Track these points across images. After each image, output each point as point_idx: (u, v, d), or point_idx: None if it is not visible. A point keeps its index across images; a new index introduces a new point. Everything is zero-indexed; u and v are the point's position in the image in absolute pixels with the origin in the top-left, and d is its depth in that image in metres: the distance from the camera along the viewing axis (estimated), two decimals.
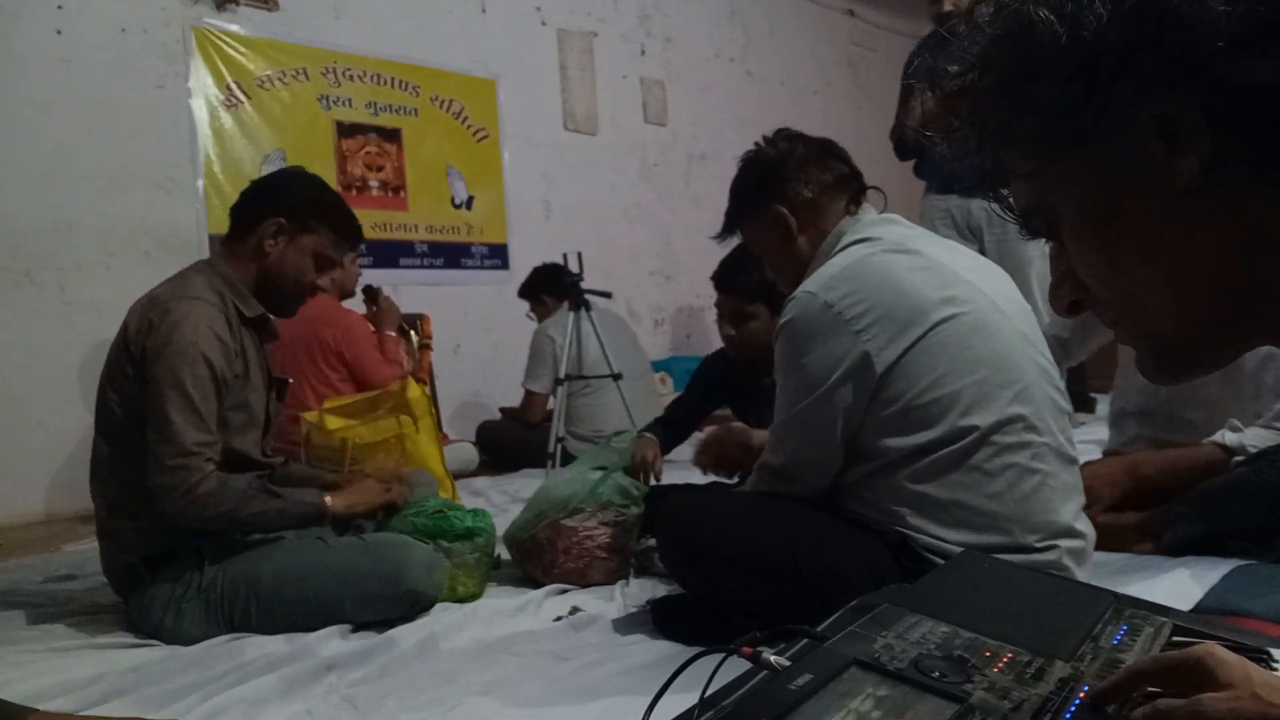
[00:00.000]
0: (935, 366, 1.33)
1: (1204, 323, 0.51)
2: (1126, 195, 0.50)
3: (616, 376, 3.24)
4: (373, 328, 3.15)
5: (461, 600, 1.83)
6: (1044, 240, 0.57)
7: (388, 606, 1.69)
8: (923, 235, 1.51)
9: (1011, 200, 0.58)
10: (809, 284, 1.43)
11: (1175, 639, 0.80)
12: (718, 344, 2.47)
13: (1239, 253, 0.48)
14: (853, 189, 1.57)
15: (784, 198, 1.55)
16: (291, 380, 2.10)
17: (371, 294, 3.27)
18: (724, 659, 0.68)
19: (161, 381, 1.62)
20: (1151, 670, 0.66)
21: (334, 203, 1.85)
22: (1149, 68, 0.46)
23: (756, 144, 1.64)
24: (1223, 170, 0.46)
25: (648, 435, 2.33)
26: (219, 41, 3.77)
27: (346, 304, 3.14)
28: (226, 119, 3.80)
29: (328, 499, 1.77)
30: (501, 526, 2.06)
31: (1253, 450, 1.83)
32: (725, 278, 2.27)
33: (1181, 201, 0.48)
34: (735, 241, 1.73)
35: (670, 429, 2.42)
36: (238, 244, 1.80)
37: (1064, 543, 1.35)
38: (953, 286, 1.38)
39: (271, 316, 1.86)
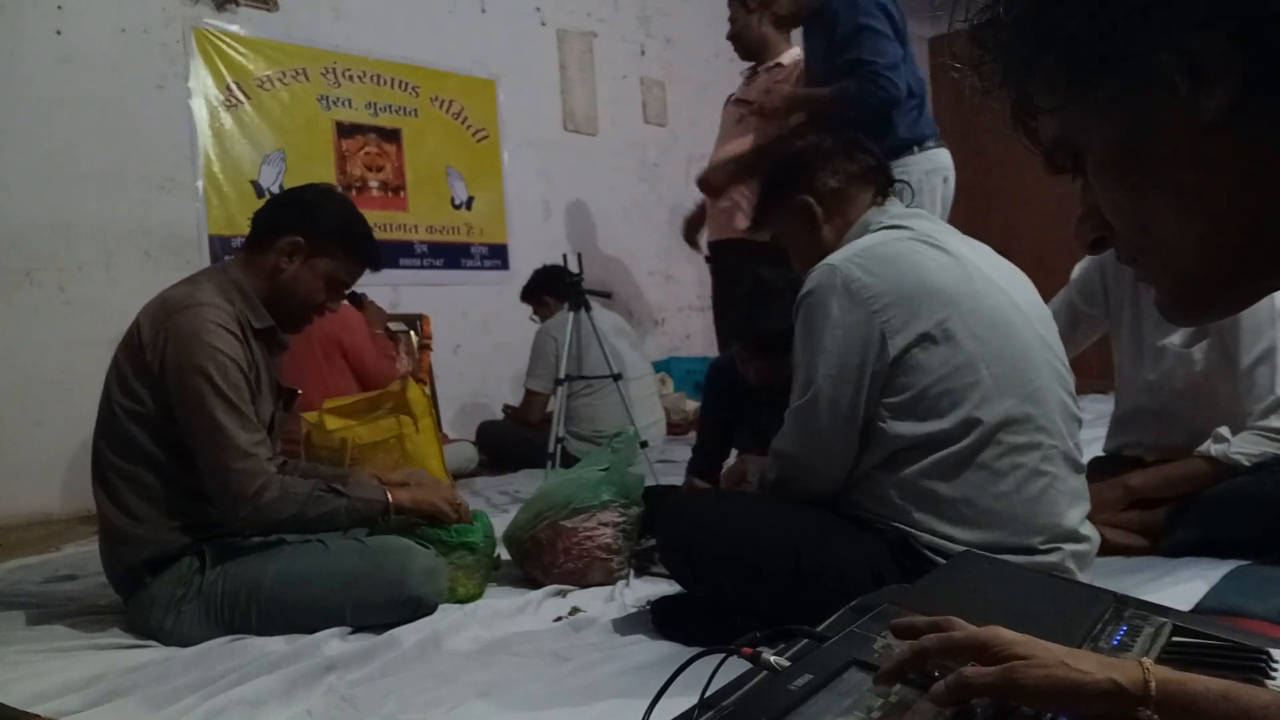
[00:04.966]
0: (951, 358, 1.34)
1: (1226, 261, 0.51)
2: (1152, 131, 0.50)
3: (616, 377, 3.24)
4: None
5: (462, 601, 1.83)
6: None
7: (389, 612, 1.68)
8: (949, 231, 1.53)
9: (1040, 134, 0.58)
10: (832, 258, 1.43)
11: (1175, 639, 0.80)
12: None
13: (1264, 191, 0.47)
14: (880, 182, 1.59)
15: (811, 188, 1.57)
16: (301, 391, 2.10)
17: (356, 300, 3.25)
18: (724, 659, 0.68)
19: (197, 394, 1.62)
20: (938, 648, 0.64)
21: (358, 229, 1.83)
22: (1177, 1, 0.45)
23: (787, 138, 1.67)
24: (1250, 107, 0.45)
25: (693, 480, 2.31)
26: (219, 42, 3.77)
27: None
28: (226, 119, 3.79)
29: (390, 495, 1.78)
30: (501, 526, 2.06)
31: (1238, 457, 1.84)
32: (749, 336, 2.16)
33: (1208, 138, 0.47)
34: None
35: (707, 457, 2.41)
36: (253, 255, 1.79)
37: (1068, 546, 1.35)
38: (976, 281, 1.39)
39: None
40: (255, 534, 1.72)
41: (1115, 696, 0.57)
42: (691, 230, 3.55)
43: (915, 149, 2.72)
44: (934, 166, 2.76)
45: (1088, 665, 0.59)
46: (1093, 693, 0.58)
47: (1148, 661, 0.59)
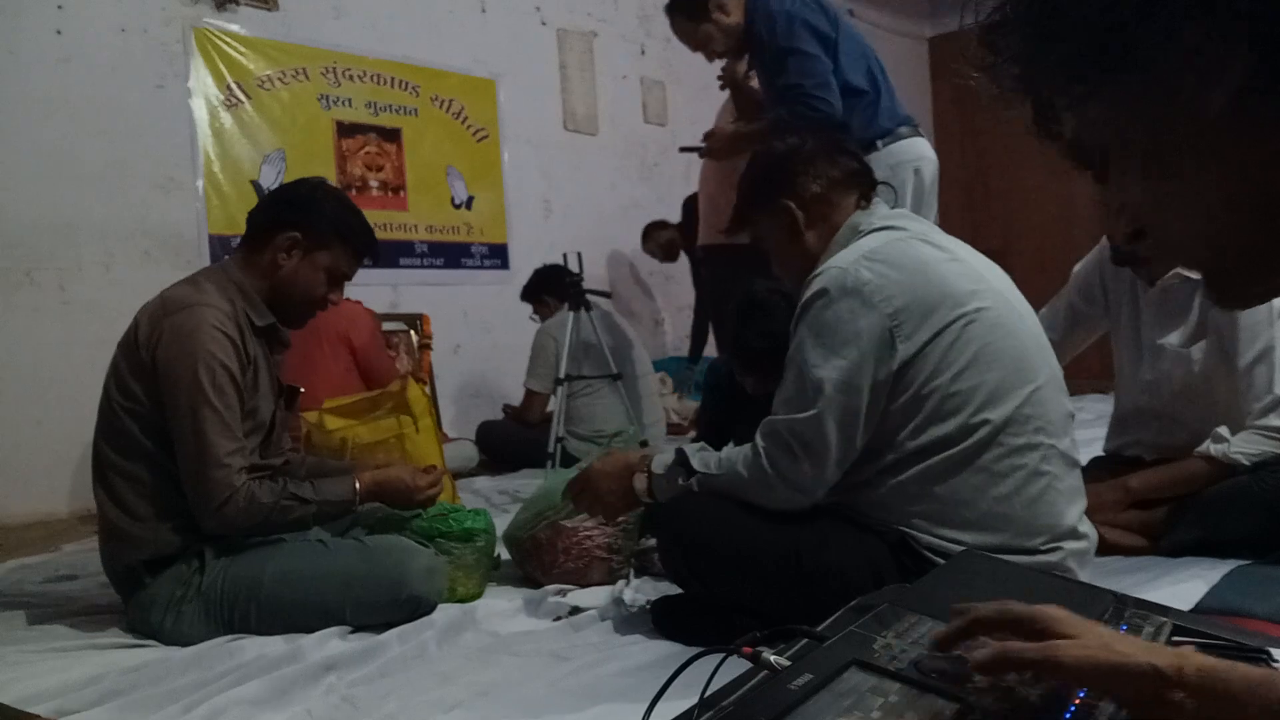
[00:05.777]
0: (958, 359, 1.34)
1: (1249, 250, 0.51)
2: (1163, 126, 0.50)
3: (616, 377, 3.24)
4: None
5: (462, 600, 1.83)
6: None
7: (388, 612, 1.68)
8: (938, 231, 1.52)
9: (1062, 132, 0.58)
10: (839, 259, 1.41)
11: (1175, 638, 0.80)
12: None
13: (1272, 186, 0.47)
14: (863, 185, 1.56)
15: (792, 192, 1.54)
16: (304, 390, 2.10)
17: None
18: (724, 659, 0.68)
19: (185, 395, 1.63)
20: (993, 618, 0.67)
21: (354, 221, 1.84)
22: None
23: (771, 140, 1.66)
24: (1260, 96, 0.45)
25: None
26: (219, 41, 3.77)
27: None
28: (226, 119, 3.80)
29: (358, 485, 1.78)
30: (501, 526, 2.06)
31: (1238, 456, 1.84)
32: (741, 354, 2.17)
33: (1218, 128, 0.47)
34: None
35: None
36: (252, 252, 1.80)
37: (1068, 545, 1.35)
38: (978, 282, 1.39)
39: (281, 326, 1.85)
40: (254, 534, 1.72)
41: (1152, 679, 0.59)
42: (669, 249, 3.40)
43: (879, 144, 2.63)
44: (899, 160, 2.64)
45: (1129, 648, 0.61)
46: (1131, 674, 0.59)
47: (1187, 650, 0.61)
